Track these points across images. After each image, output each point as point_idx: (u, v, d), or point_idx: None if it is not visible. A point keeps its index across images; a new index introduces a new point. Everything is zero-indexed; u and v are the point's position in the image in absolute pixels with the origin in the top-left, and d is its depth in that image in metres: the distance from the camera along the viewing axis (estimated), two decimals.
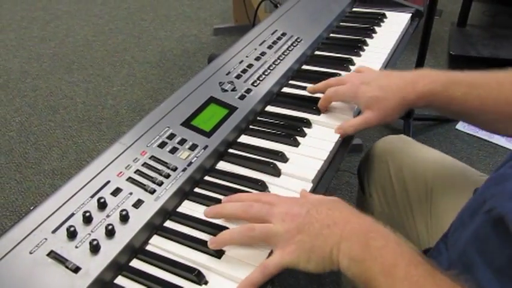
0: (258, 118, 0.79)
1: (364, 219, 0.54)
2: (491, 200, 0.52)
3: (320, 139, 0.73)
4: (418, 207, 0.82)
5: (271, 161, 0.67)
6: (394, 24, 1.07)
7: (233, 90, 0.80)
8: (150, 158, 0.65)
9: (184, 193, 0.63)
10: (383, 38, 1.02)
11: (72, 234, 0.54)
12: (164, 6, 3.16)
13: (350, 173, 1.68)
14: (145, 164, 0.64)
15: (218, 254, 0.54)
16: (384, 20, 1.10)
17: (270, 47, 0.92)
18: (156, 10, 3.10)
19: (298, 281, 1.35)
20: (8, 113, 2.13)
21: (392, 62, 0.97)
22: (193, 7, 3.12)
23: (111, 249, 0.54)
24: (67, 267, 0.51)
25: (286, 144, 0.72)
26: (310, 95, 0.83)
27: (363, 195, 0.94)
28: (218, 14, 3.00)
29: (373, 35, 1.03)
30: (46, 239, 0.54)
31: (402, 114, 0.75)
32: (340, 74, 0.89)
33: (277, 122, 0.77)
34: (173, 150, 0.66)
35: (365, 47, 0.99)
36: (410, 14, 1.12)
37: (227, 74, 0.83)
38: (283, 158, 0.68)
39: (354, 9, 1.16)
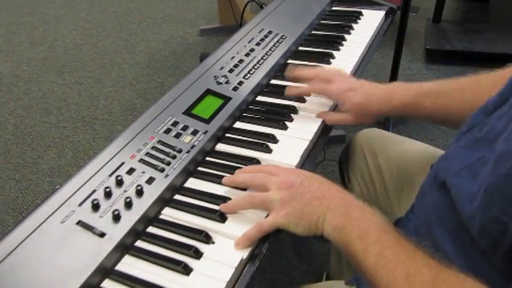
0: (250, 107, 0.88)
1: (347, 195, 0.64)
2: (440, 173, 0.62)
3: (305, 123, 0.83)
4: (391, 185, 0.92)
5: (264, 142, 0.77)
6: (370, 21, 1.18)
7: (227, 83, 0.89)
8: (157, 142, 0.74)
9: (189, 171, 0.73)
10: (360, 34, 1.12)
11: (96, 207, 0.63)
12: (150, 9, 3.23)
13: (335, 162, 1.79)
14: (154, 148, 0.73)
15: (222, 219, 0.64)
16: (361, 17, 1.20)
17: (258, 44, 1.02)
18: (143, 13, 3.18)
19: (290, 261, 1.45)
20: (3, 116, 2.19)
21: (368, 56, 1.07)
22: (179, 9, 3.20)
23: (130, 219, 0.63)
24: (94, 233, 0.60)
25: (276, 128, 0.82)
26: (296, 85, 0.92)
27: (343, 183, 1.04)
28: (203, 15, 3.09)
29: (351, 31, 1.14)
30: (74, 211, 0.62)
31: (376, 119, 0.85)
32: (322, 67, 0.99)
33: (267, 109, 0.87)
34: (177, 135, 0.76)
35: (344, 42, 1.09)
36: (385, 12, 1.23)
37: (221, 69, 0.92)
38: (274, 139, 0.78)
39: (333, 8, 1.26)
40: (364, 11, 1.23)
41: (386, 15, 1.23)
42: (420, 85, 0.81)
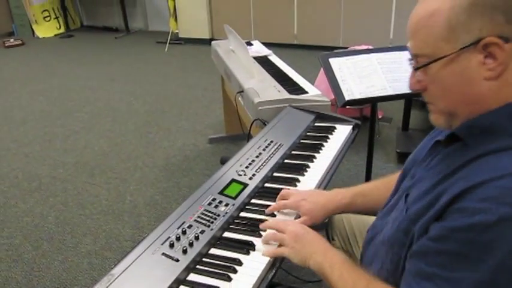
0: (260, 190, 1.33)
1: (326, 244, 1.06)
2: (370, 232, 1.07)
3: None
4: (359, 240, 1.34)
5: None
6: (341, 133, 1.68)
7: (245, 174, 1.35)
8: (204, 210, 1.17)
9: (224, 228, 1.15)
10: (333, 142, 1.61)
11: (171, 245, 1.04)
12: (165, 121, 3.81)
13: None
14: (202, 213, 1.16)
15: (247, 253, 1.05)
16: (335, 130, 1.70)
17: (264, 149, 1.49)
18: (159, 124, 3.74)
19: None
20: (44, 210, 2.61)
21: (339, 158, 1.55)
22: (190, 121, 3.78)
23: (192, 252, 1.04)
24: (172, 259, 1.01)
25: None
26: (290, 176, 1.38)
27: (328, 239, 1.46)
28: (211, 126, 3.65)
29: (328, 140, 1.63)
30: (159, 248, 1.04)
31: (326, 218, 1.28)
32: (308, 165, 1.46)
33: (271, 191, 1.32)
34: (216, 206, 1.19)
35: (323, 148, 1.57)
36: (352, 126, 1.73)
37: (240, 166, 1.39)
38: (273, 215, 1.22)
39: (316, 124, 1.77)
40: (337, 126, 1.73)
41: (353, 128, 1.73)
42: (353, 188, 1.25)
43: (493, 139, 0.78)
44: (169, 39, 6.20)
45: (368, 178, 2.39)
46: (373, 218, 1.34)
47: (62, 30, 7.38)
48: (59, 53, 6.32)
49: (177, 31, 6.37)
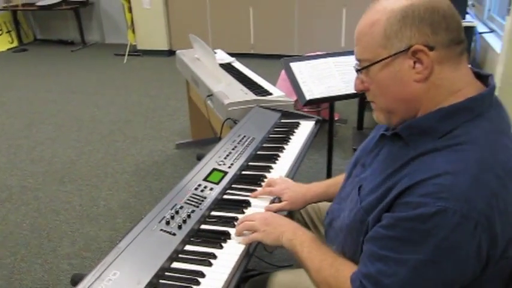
0: (239, 176, 1.50)
1: (294, 224, 1.20)
2: (329, 215, 1.23)
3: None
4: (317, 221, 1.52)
5: (248, 194, 1.38)
6: (305, 128, 1.87)
7: (224, 164, 1.52)
8: (192, 194, 1.33)
9: (211, 208, 1.31)
10: (299, 135, 1.81)
11: (167, 223, 1.19)
12: (131, 129, 3.90)
13: None
14: (191, 196, 1.32)
15: (234, 226, 1.22)
16: (299, 125, 1.90)
17: (238, 143, 1.67)
18: (125, 133, 3.83)
19: None
20: (18, 218, 2.65)
21: (304, 149, 1.74)
22: (156, 129, 3.89)
23: (186, 228, 1.19)
24: (170, 233, 1.16)
25: (256, 186, 1.43)
26: (263, 164, 1.56)
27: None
28: (177, 133, 3.78)
29: (294, 134, 1.82)
30: (156, 225, 1.18)
31: (304, 206, 1.43)
32: (278, 155, 1.64)
33: (248, 177, 1.49)
34: (202, 190, 1.35)
35: (289, 141, 1.77)
36: (314, 121, 1.94)
37: (219, 157, 1.56)
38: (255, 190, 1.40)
39: (282, 121, 1.96)
40: (301, 122, 1.93)
41: (315, 124, 1.94)
42: (327, 180, 1.44)
43: (428, 140, 0.91)
44: (127, 51, 6.27)
45: (329, 172, 2.60)
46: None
47: (15, 44, 7.28)
48: (13, 66, 6.24)
49: (135, 43, 6.45)
